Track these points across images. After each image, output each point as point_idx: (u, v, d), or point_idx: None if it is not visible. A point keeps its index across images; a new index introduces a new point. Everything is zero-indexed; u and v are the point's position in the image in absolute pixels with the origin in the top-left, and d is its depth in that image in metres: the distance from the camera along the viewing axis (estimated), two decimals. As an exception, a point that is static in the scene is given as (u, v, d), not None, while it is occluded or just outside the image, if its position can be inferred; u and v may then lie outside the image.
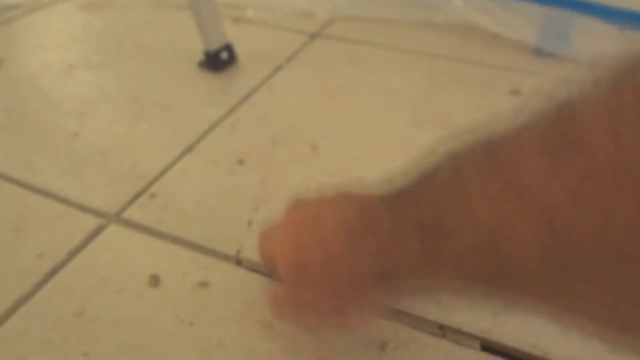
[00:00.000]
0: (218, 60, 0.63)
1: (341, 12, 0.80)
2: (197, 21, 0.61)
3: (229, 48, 0.64)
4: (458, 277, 0.19)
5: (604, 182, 0.13)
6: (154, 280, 0.36)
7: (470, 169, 0.18)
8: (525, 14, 0.70)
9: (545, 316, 0.19)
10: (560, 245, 0.14)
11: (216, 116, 0.55)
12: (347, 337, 0.33)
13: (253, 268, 0.37)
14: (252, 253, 0.38)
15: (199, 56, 0.64)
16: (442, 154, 0.20)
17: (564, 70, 0.65)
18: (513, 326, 0.33)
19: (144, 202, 0.44)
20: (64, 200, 0.44)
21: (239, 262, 0.38)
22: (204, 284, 0.36)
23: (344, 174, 0.46)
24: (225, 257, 0.38)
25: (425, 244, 0.19)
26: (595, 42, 0.67)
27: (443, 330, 0.33)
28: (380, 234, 0.22)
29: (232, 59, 0.65)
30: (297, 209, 0.28)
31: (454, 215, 0.18)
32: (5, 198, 0.44)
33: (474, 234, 0.17)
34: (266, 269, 0.35)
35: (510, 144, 0.17)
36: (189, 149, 0.50)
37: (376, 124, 0.54)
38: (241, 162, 0.48)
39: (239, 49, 0.66)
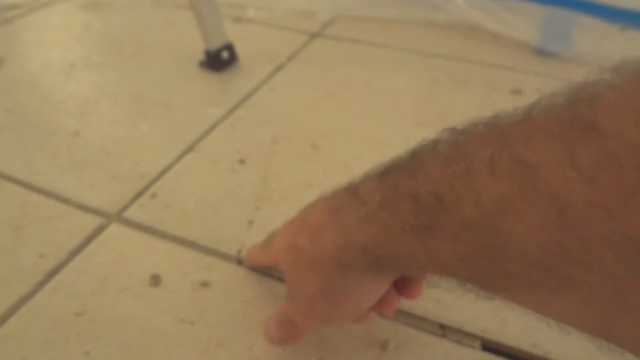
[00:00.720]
0: (219, 60, 0.63)
1: (342, 11, 0.80)
2: (198, 20, 0.61)
3: (229, 47, 0.64)
4: (449, 254, 0.18)
5: (623, 169, 0.13)
6: (155, 280, 0.36)
7: (474, 144, 0.17)
8: (526, 13, 0.70)
9: (525, 307, 0.18)
10: (567, 229, 0.14)
11: (217, 115, 0.55)
12: (348, 337, 0.33)
13: (254, 268, 0.37)
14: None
15: (200, 55, 0.64)
16: (442, 130, 0.20)
17: (564, 69, 0.65)
18: (514, 326, 0.33)
19: (144, 202, 0.44)
20: (65, 200, 0.44)
21: (239, 261, 0.38)
22: (204, 284, 0.36)
23: (345, 173, 0.46)
24: (226, 257, 0.38)
25: (420, 216, 0.19)
26: (596, 42, 0.67)
27: (444, 330, 0.33)
28: (369, 204, 0.21)
29: (232, 58, 0.65)
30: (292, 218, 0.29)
31: (453, 189, 0.17)
32: (6, 197, 0.44)
33: (474, 209, 0.17)
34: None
35: (519, 122, 0.16)
36: (189, 149, 0.50)
37: (377, 124, 0.54)
38: (242, 161, 0.48)
39: (239, 49, 0.66)
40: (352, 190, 0.23)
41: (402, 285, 0.29)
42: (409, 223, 0.19)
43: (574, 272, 0.15)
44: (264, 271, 0.37)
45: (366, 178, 0.23)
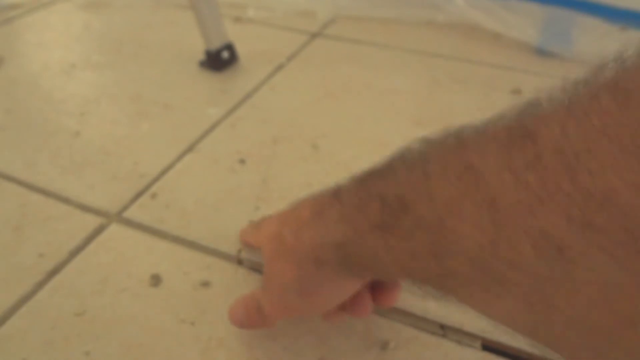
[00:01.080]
0: (219, 60, 0.63)
1: (342, 11, 0.80)
2: (198, 20, 0.61)
3: (230, 47, 0.64)
4: (405, 253, 0.20)
5: (546, 170, 0.14)
6: (155, 280, 0.36)
7: (436, 151, 0.19)
8: (527, 13, 0.70)
9: (473, 308, 0.19)
10: (498, 228, 0.16)
11: (217, 115, 0.55)
12: (348, 336, 0.33)
13: (254, 267, 0.37)
14: (253, 252, 0.38)
15: (200, 55, 0.64)
16: (415, 140, 0.21)
17: (565, 69, 0.65)
18: (514, 326, 0.33)
19: (145, 202, 0.44)
20: (65, 200, 0.44)
21: (240, 261, 0.38)
22: (205, 284, 0.36)
23: (345, 173, 0.46)
24: (226, 257, 0.38)
25: (384, 215, 0.20)
26: (597, 42, 0.67)
27: (444, 330, 0.33)
28: (345, 205, 0.23)
29: (233, 58, 0.65)
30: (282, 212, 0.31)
31: (413, 190, 0.19)
32: (6, 197, 0.44)
33: (426, 209, 0.18)
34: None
35: (477, 132, 0.18)
36: (190, 149, 0.50)
37: (377, 123, 0.54)
38: (242, 161, 0.48)
39: (239, 48, 0.66)
40: (336, 193, 0.25)
41: (378, 292, 0.30)
42: (375, 222, 0.21)
43: (503, 270, 0.16)
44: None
45: (349, 182, 0.25)
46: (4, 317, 0.34)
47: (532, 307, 0.16)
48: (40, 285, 0.36)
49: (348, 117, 0.55)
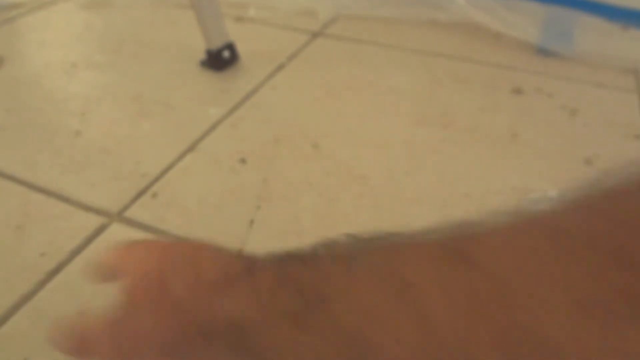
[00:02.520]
0: (220, 59, 0.63)
1: (343, 10, 0.80)
2: (199, 20, 0.61)
3: (230, 47, 0.64)
4: (311, 350, 0.18)
5: (478, 293, 0.15)
6: (156, 279, 0.36)
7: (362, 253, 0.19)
8: (528, 13, 0.70)
9: None
10: (423, 340, 0.16)
11: (218, 115, 0.55)
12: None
13: (255, 267, 0.37)
14: (254, 252, 0.38)
15: (201, 55, 0.64)
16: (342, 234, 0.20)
17: (566, 69, 0.64)
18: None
19: (146, 201, 0.44)
20: (66, 199, 0.44)
21: (240, 261, 0.38)
22: (205, 283, 0.36)
23: (346, 172, 0.46)
24: (227, 256, 0.38)
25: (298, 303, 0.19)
26: (598, 41, 0.67)
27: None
28: (257, 282, 0.21)
29: (234, 57, 0.65)
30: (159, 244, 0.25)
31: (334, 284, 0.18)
32: (8, 197, 0.44)
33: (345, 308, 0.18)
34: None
35: (414, 245, 0.18)
36: (190, 148, 0.50)
37: (378, 123, 0.54)
38: (243, 161, 0.48)
39: (240, 48, 0.66)
40: (249, 266, 0.23)
41: None
42: (287, 309, 0.19)
43: None
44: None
45: (265, 257, 0.23)
46: (6, 316, 0.34)
47: None
48: (41, 284, 0.36)
49: (349, 117, 0.55)
